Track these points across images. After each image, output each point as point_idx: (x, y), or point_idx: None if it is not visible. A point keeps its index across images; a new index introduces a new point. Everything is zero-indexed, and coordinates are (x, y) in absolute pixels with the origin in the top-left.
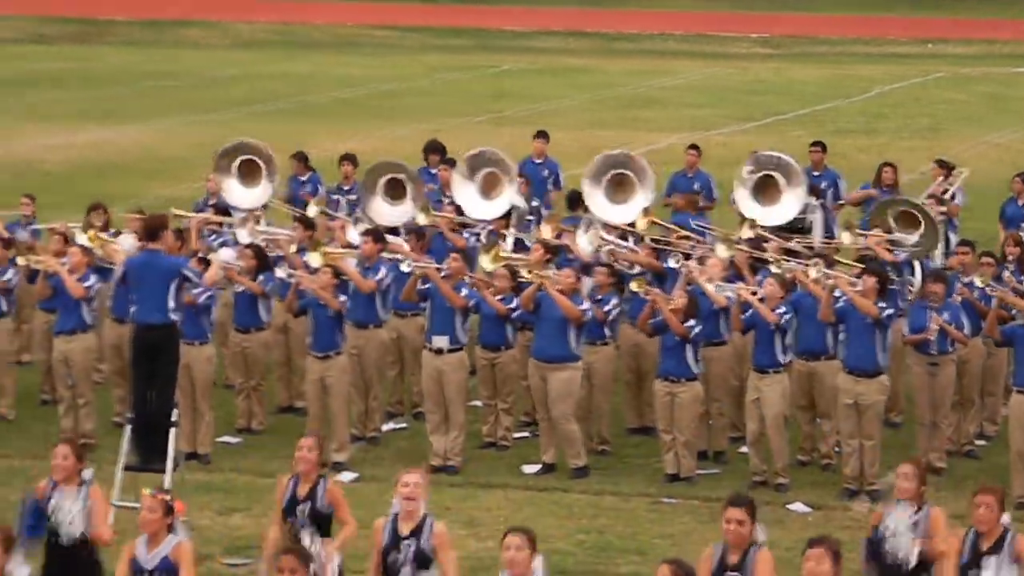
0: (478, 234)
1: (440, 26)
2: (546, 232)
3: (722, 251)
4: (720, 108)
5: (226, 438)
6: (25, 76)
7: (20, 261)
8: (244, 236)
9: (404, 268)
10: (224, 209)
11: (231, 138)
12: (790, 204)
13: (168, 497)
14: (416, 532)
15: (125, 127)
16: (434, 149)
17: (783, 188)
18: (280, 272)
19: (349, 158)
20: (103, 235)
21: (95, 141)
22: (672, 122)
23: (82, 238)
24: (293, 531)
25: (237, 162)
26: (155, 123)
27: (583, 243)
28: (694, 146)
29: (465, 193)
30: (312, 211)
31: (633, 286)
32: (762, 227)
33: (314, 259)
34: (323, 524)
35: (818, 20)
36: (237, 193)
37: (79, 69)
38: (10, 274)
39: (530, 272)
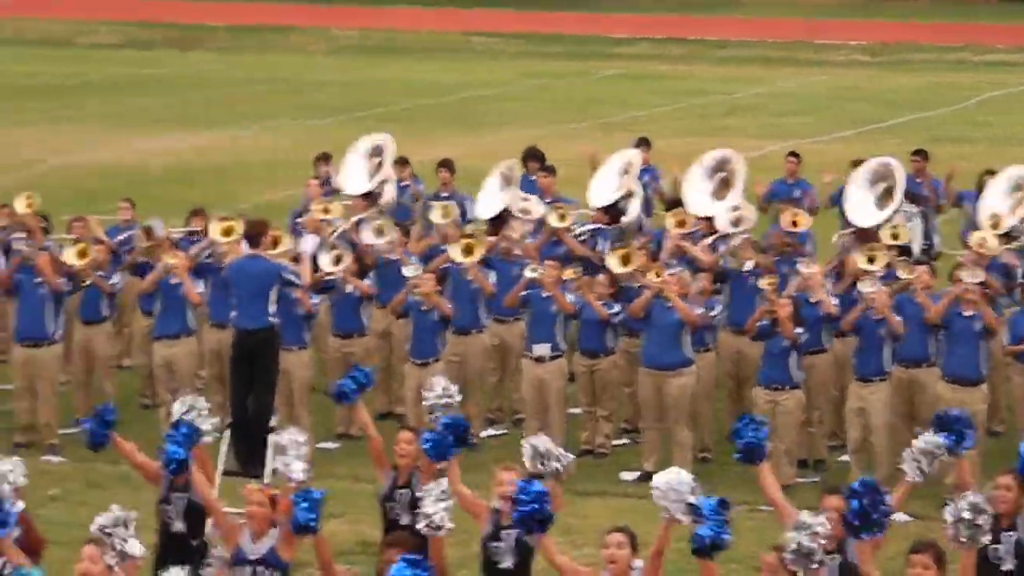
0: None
1: (537, 32)
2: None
3: (813, 267)
4: (815, 116)
5: (324, 444)
6: (125, 81)
7: (170, 261)
8: (368, 236)
9: (528, 273)
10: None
11: (328, 145)
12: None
13: (275, 492)
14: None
15: (224, 132)
16: (533, 156)
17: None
18: (406, 271)
19: (446, 164)
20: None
21: (195, 146)
22: (766, 130)
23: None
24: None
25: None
26: (254, 128)
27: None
28: (794, 153)
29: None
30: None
31: (762, 283)
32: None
33: (409, 269)
34: None
35: (917, 27)
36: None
37: (179, 74)
38: (116, 278)
39: (654, 276)
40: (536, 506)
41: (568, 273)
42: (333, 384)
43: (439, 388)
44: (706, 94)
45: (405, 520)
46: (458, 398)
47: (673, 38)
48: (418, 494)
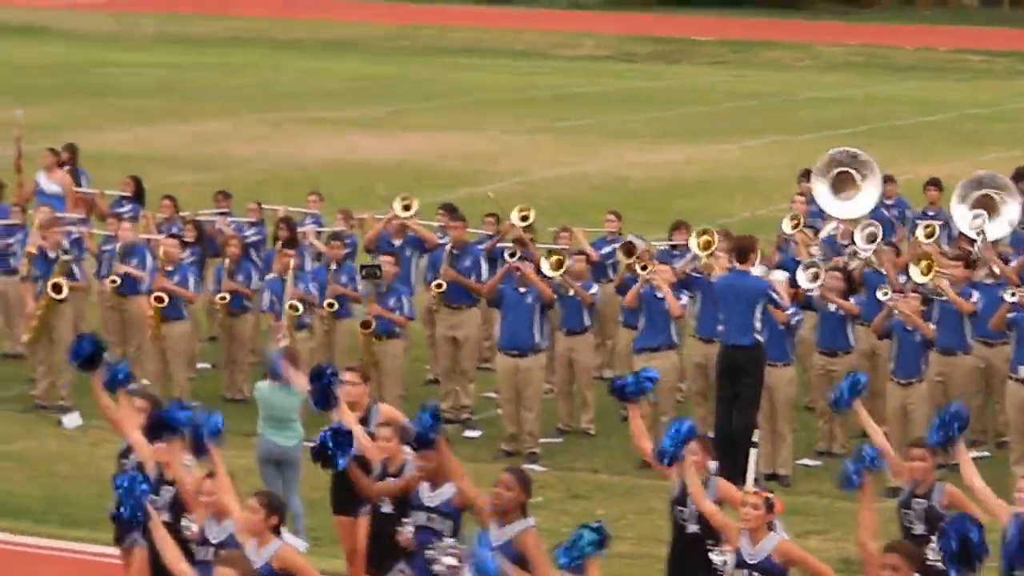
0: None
1: None
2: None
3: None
4: None
5: (805, 460)
6: (609, 93)
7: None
8: (859, 241)
9: (1008, 296)
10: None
11: (812, 161)
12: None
13: (770, 495)
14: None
15: (708, 146)
16: (1022, 176)
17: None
18: (879, 294)
19: (935, 183)
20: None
21: (677, 159)
22: None
23: (694, 245)
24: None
25: (834, 172)
26: (739, 143)
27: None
28: None
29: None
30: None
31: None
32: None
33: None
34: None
35: None
36: (828, 202)
37: (663, 87)
38: (595, 289)
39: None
40: None
41: None
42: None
43: None
44: None
45: (919, 530)
46: None
47: None
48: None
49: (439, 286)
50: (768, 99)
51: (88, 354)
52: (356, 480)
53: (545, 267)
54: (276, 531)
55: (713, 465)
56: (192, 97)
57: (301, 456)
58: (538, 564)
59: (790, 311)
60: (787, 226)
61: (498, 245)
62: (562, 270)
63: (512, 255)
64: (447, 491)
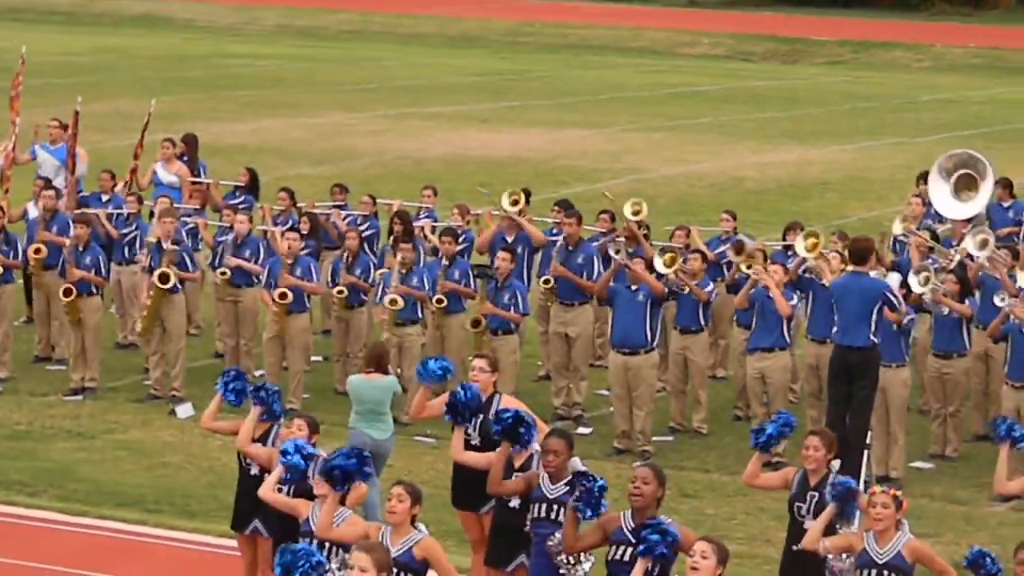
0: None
1: None
2: None
3: None
4: None
5: (918, 463)
6: (726, 92)
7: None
8: (971, 247)
9: (998, 301)
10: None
11: (929, 164)
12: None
13: (898, 493)
14: None
15: (826, 147)
16: None
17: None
18: (996, 299)
19: None
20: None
21: (795, 160)
22: None
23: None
24: None
25: (957, 174)
26: (857, 144)
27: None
28: None
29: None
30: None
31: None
32: None
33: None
34: None
35: None
36: (946, 203)
37: (783, 87)
38: (711, 287)
39: None
40: None
41: None
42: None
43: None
44: None
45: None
46: None
47: None
48: None
49: (547, 282)
50: (886, 100)
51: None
52: (496, 484)
53: (658, 263)
54: (414, 521)
55: (836, 463)
56: (311, 90)
57: (392, 448)
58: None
59: (905, 312)
60: (898, 227)
61: (607, 243)
62: (675, 267)
63: (617, 252)
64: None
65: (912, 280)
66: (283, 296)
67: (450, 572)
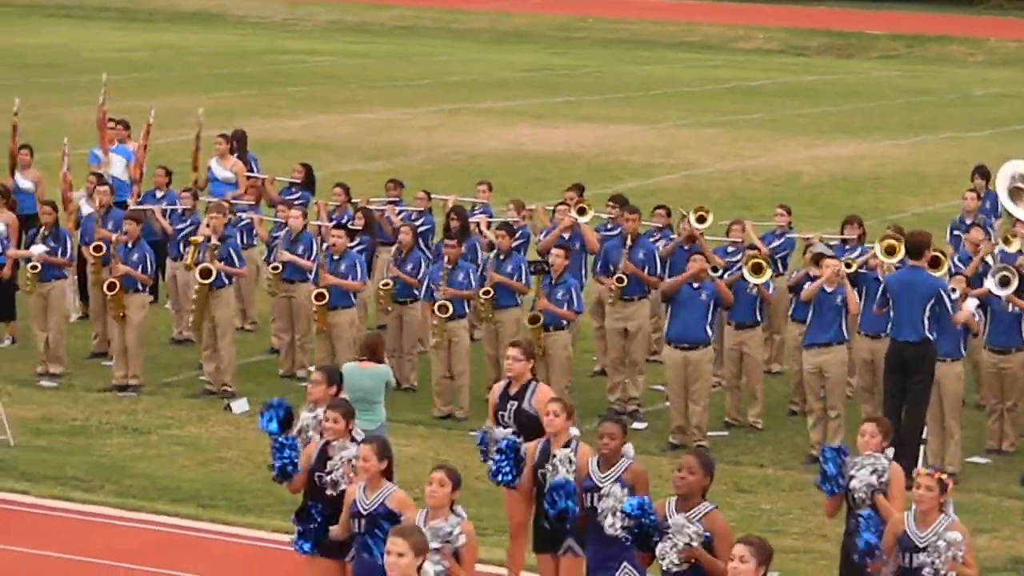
0: None
1: None
2: None
3: None
4: None
5: (974, 458)
6: (783, 87)
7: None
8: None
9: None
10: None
11: (984, 158)
12: None
13: (944, 476)
14: None
15: (881, 142)
16: None
17: None
18: None
19: None
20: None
21: (850, 155)
22: None
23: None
24: None
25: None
26: (912, 139)
27: None
28: None
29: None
30: None
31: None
32: None
33: None
34: None
35: None
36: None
37: (837, 81)
38: (772, 286)
39: None
40: None
41: None
42: None
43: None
44: None
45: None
46: None
47: None
48: None
49: (620, 280)
50: (940, 95)
51: (280, 420)
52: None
53: (745, 273)
54: (453, 506)
55: (891, 451)
56: (365, 85)
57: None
58: (725, 546)
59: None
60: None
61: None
62: (765, 278)
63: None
64: (620, 466)
65: (989, 282)
66: (320, 297)
67: (473, 561)
